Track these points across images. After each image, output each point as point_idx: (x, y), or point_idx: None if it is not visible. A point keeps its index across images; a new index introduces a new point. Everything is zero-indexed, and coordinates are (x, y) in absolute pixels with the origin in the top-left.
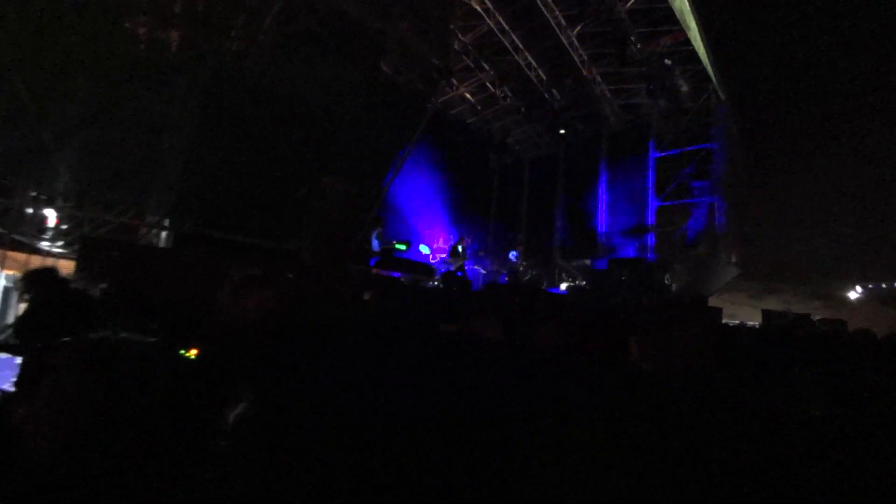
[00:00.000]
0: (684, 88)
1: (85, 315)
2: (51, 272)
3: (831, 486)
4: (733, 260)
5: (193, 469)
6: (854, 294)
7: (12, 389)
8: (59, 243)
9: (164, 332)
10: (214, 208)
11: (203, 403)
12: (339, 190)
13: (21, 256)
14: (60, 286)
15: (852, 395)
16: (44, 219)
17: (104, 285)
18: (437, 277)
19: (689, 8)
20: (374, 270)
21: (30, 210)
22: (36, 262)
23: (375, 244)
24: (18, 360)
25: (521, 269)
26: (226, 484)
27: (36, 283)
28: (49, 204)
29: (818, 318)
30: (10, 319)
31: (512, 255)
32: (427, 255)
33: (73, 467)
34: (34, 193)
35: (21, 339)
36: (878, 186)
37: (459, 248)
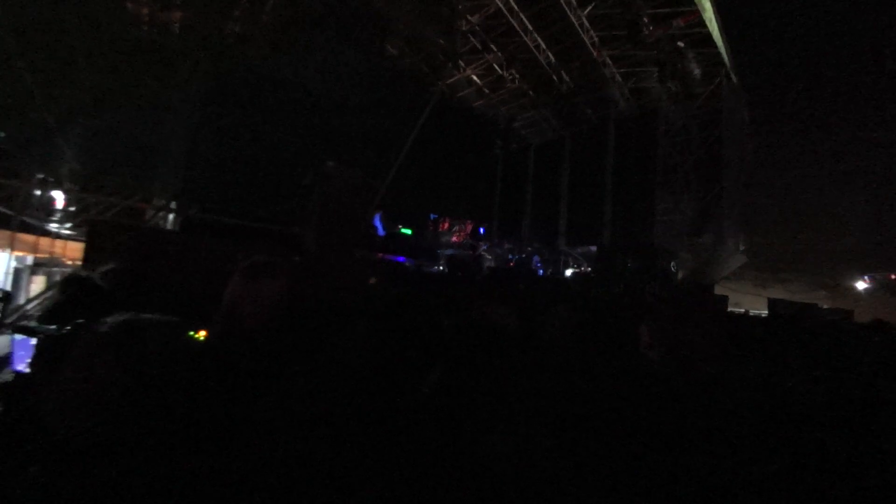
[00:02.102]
0: (696, 72)
1: (105, 298)
2: (89, 281)
3: (835, 478)
4: (740, 248)
5: (212, 454)
6: (862, 284)
7: (27, 370)
8: (68, 225)
9: (175, 315)
10: (219, 193)
11: (215, 388)
12: (343, 175)
13: (30, 238)
14: (95, 290)
15: (856, 387)
16: (52, 201)
17: (110, 267)
18: (440, 262)
19: None
20: (379, 255)
21: (38, 192)
22: (45, 244)
23: (380, 229)
24: (33, 341)
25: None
26: (242, 466)
27: (73, 286)
28: (57, 186)
29: (825, 307)
30: (21, 300)
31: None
32: (430, 240)
33: (98, 448)
34: (41, 176)
35: (45, 323)
36: (888, 176)
37: (479, 230)
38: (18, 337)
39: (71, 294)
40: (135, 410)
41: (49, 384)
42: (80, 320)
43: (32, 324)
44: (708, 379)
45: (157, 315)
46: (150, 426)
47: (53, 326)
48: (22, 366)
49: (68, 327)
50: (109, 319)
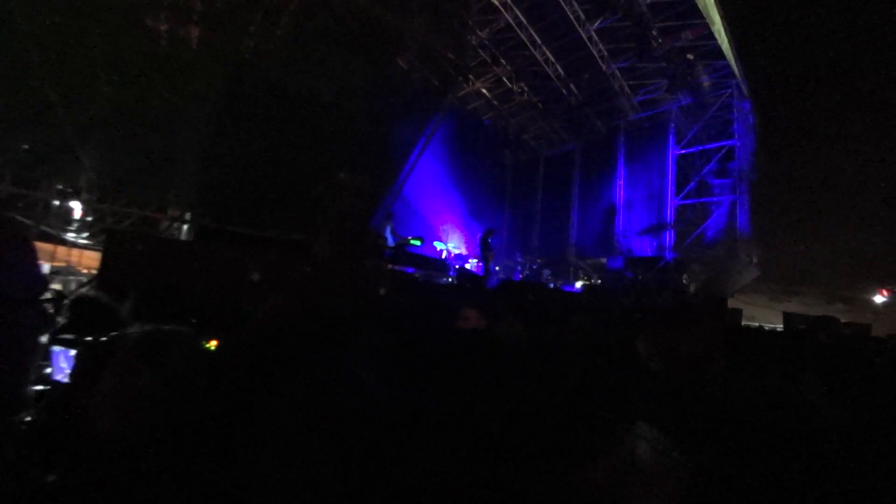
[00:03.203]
0: (706, 84)
1: (112, 316)
2: (96, 301)
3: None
4: (753, 261)
5: (234, 459)
6: (880, 298)
7: (67, 381)
8: (85, 235)
9: (189, 324)
10: (233, 203)
11: (229, 395)
12: (354, 185)
13: (48, 247)
14: (103, 309)
15: (874, 402)
16: (70, 211)
17: (127, 278)
18: (450, 273)
19: (712, 1)
20: (389, 266)
21: (56, 202)
22: (62, 252)
23: (390, 239)
24: (72, 352)
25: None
26: (256, 473)
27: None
28: (75, 197)
29: (842, 321)
30: None
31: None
32: (440, 251)
33: (137, 454)
34: (60, 186)
35: (74, 333)
36: None
37: (489, 241)
38: (57, 348)
39: (80, 314)
40: (163, 416)
41: (90, 393)
42: (116, 332)
43: (69, 336)
44: (715, 390)
45: (175, 326)
46: (176, 431)
47: (90, 338)
48: (61, 376)
49: (103, 339)
50: (135, 330)
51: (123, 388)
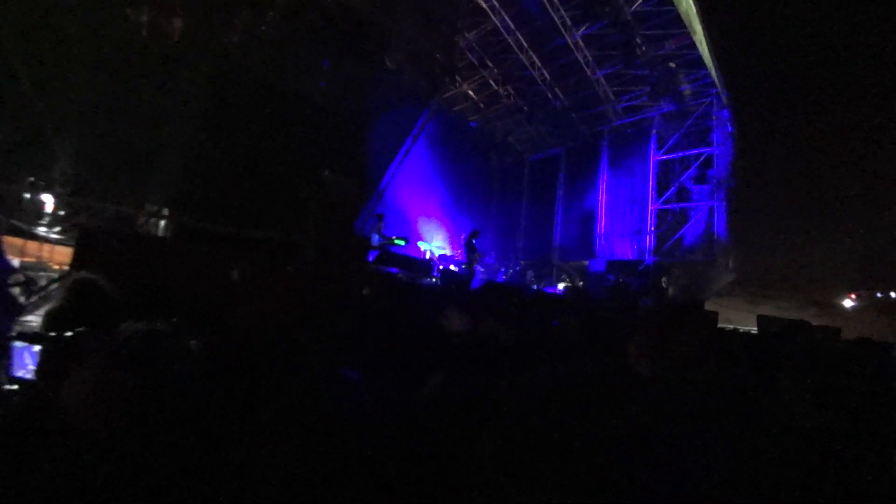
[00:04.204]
0: (687, 92)
1: (107, 306)
2: (94, 284)
3: (822, 494)
4: (730, 265)
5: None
6: (849, 302)
7: (30, 377)
8: (56, 229)
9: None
10: (215, 201)
11: (212, 397)
12: (339, 185)
13: (18, 241)
14: (100, 296)
15: (844, 404)
16: (41, 204)
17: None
18: (434, 274)
19: (695, 11)
20: (373, 266)
21: (27, 195)
22: (33, 248)
23: (375, 239)
24: (36, 348)
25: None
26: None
27: (77, 293)
28: (47, 190)
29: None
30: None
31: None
32: (424, 252)
33: (104, 453)
34: (31, 179)
35: (48, 329)
36: (876, 195)
37: (474, 242)
38: (19, 344)
39: (78, 300)
40: (148, 413)
41: (57, 390)
42: (83, 328)
43: (33, 330)
44: (696, 391)
45: (164, 323)
46: (163, 428)
47: (54, 334)
48: (22, 372)
49: (71, 334)
50: (125, 328)
51: (91, 387)
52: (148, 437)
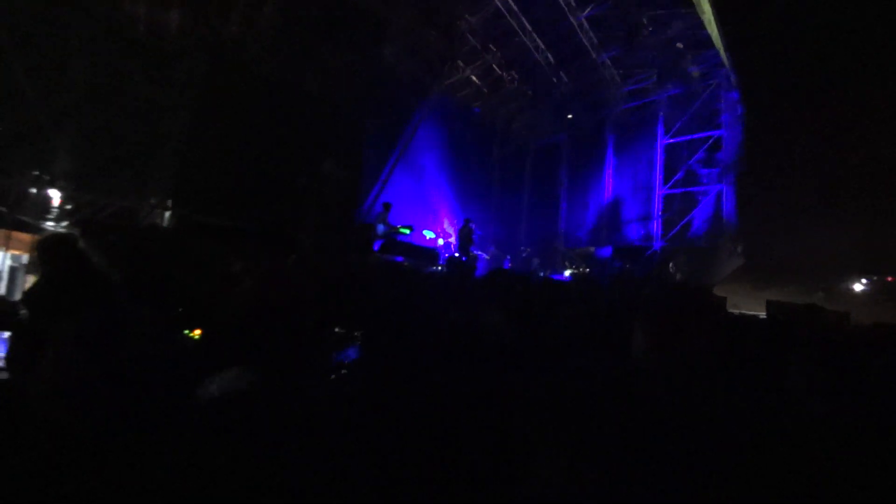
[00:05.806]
0: (695, 74)
1: (91, 291)
2: (69, 241)
3: (831, 484)
4: (738, 250)
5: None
6: (859, 287)
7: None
8: (64, 223)
9: (168, 314)
10: (213, 194)
11: (206, 385)
12: (339, 176)
13: (26, 237)
14: (78, 258)
15: (855, 391)
16: (48, 199)
17: (103, 263)
18: (440, 262)
19: None
20: (378, 255)
21: (33, 190)
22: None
23: (381, 228)
24: (6, 335)
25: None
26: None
27: (53, 253)
28: (52, 185)
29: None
30: (17, 299)
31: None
32: (430, 240)
33: (75, 442)
34: (36, 173)
35: (29, 310)
36: (886, 180)
37: (468, 230)
38: None
39: (53, 267)
40: (113, 406)
41: (26, 379)
42: (69, 314)
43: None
44: (705, 379)
45: (146, 309)
46: (129, 422)
47: (24, 312)
48: None
49: (33, 321)
50: (87, 315)
51: (63, 376)
52: (117, 429)
